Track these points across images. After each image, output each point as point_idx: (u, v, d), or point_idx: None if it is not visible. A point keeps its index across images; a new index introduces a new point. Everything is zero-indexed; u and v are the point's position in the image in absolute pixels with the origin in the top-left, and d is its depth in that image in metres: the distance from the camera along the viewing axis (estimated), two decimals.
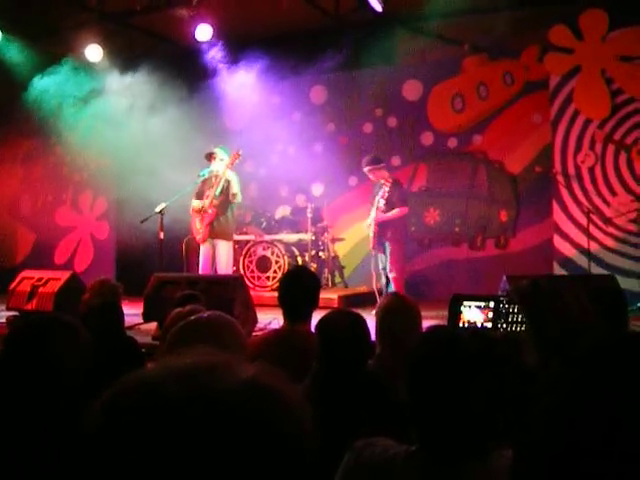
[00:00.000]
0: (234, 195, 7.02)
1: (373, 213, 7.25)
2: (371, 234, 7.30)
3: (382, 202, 7.13)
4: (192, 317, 2.06)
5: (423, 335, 1.48)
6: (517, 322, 1.14)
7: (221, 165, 7.11)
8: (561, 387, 0.70)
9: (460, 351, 1.39)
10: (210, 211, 7.01)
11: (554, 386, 0.71)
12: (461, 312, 1.19)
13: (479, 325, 1.18)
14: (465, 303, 1.19)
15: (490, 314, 1.19)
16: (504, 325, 1.15)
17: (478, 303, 1.17)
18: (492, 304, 1.16)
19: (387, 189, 7.12)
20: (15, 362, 1.77)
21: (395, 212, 7.17)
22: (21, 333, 1.87)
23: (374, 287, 7.44)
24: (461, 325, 1.18)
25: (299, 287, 3.35)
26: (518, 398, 1.59)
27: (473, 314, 1.20)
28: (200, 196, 7.19)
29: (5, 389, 1.74)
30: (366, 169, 7.44)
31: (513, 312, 1.15)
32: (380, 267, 7.44)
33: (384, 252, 7.29)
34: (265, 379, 0.70)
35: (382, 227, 7.19)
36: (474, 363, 1.38)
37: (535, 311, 1.00)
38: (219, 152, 7.19)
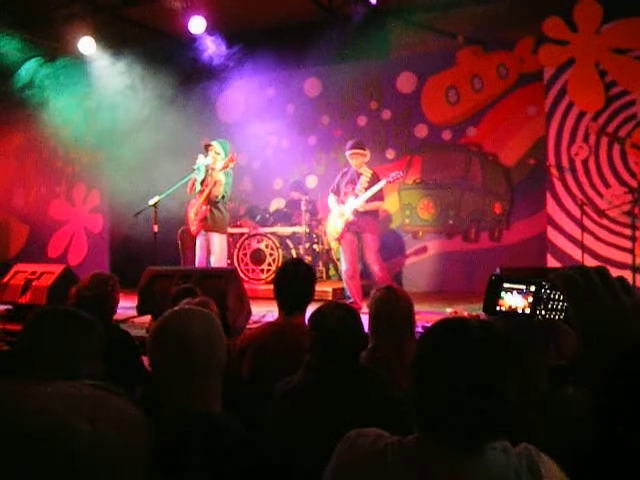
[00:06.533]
0: (216, 195, 7.03)
1: (352, 201, 6.93)
2: (342, 225, 6.96)
3: (363, 191, 6.91)
4: (172, 309, 2.05)
5: (434, 325, 1.48)
6: (557, 310, 1.12)
7: (216, 159, 7.12)
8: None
9: (469, 342, 1.40)
10: (204, 207, 7.04)
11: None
12: (501, 297, 1.14)
13: (520, 312, 1.14)
14: (505, 286, 1.14)
15: (530, 299, 1.15)
16: (543, 312, 1.12)
17: (520, 286, 1.12)
18: (532, 288, 1.13)
19: (367, 179, 6.95)
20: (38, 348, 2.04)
21: (376, 204, 7.04)
22: (40, 324, 2.12)
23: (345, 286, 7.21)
24: (499, 310, 1.13)
25: (295, 280, 3.35)
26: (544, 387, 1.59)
27: (515, 299, 1.16)
28: (195, 190, 7.22)
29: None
30: (349, 152, 7.06)
31: (554, 299, 1.12)
32: (341, 267, 7.20)
33: (353, 245, 6.98)
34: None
35: (362, 217, 6.92)
36: (483, 355, 1.38)
37: (582, 301, 0.99)
38: (216, 146, 7.19)
